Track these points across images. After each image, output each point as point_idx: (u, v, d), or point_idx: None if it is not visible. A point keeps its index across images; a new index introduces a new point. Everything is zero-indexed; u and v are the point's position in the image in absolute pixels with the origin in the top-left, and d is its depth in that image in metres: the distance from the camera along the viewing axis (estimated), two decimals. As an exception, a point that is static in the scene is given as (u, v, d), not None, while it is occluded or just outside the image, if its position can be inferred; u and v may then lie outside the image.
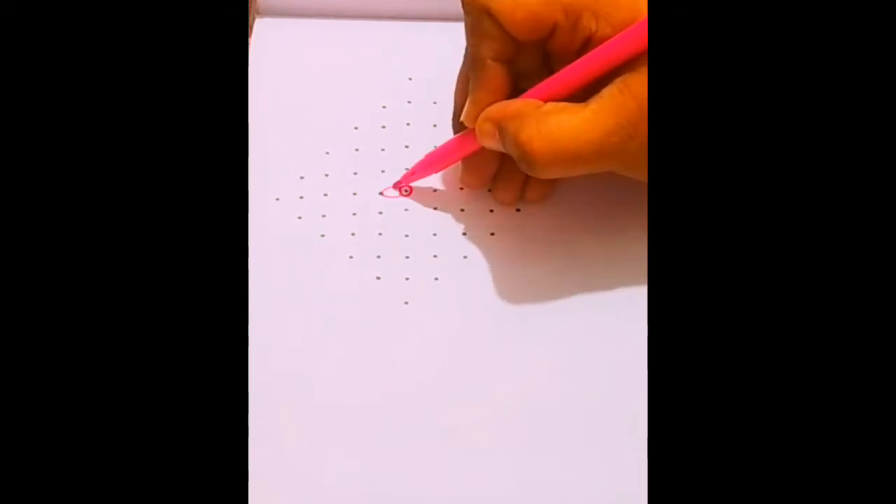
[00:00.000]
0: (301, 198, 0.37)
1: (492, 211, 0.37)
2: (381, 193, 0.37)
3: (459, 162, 0.36)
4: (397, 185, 0.37)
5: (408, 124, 0.39)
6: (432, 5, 0.41)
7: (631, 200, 0.36)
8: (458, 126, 0.35)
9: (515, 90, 0.34)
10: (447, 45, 0.40)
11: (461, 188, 0.37)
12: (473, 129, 0.34)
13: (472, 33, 0.33)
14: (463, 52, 0.34)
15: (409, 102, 0.39)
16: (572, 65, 0.32)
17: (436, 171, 0.37)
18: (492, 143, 0.33)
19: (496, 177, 0.36)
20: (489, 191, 0.37)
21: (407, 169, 0.37)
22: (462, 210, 0.37)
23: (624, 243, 0.35)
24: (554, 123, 0.31)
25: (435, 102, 0.39)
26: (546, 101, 0.32)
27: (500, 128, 0.32)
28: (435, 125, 0.39)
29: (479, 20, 0.32)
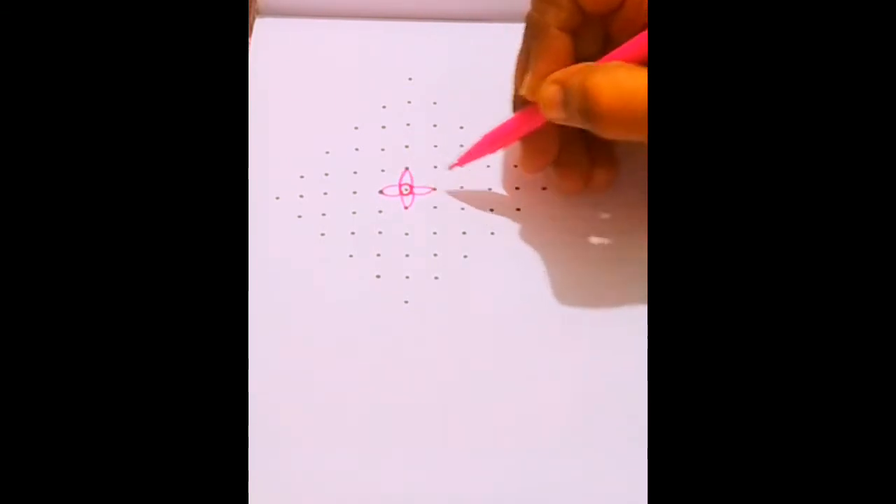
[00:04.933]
0: (301, 196, 0.37)
1: (492, 210, 0.37)
2: (380, 192, 0.37)
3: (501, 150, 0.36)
4: (453, 167, 0.37)
5: (408, 124, 0.39)
6: (432, 5, 0.41)
7: (631, 201, 0.36)
8: (517, 103, 0.35)
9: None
10: (447, 45, 0.41)
11: (461, 187, 0.37)
12: (534, 105, 0.33)
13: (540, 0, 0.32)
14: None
15: (409, 102, 0.39)
16: (640, 36, 0.31)
17: (492, 152, 0.36)
18: (555, 111, 0.32)
19: (558, 164, 0.35)
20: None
21: (407, 168, 0.37)
22: (462, 209, 0.37)
23: (624, 244, 0.35)
24: (623, 73, 0.30)
25: (435, 102, 0.39)
26: None
27: (565, 85, 0.31)
28: (435, 125, 0.39)
29: None
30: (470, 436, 0.32)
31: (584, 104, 0.30)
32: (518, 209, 0.37)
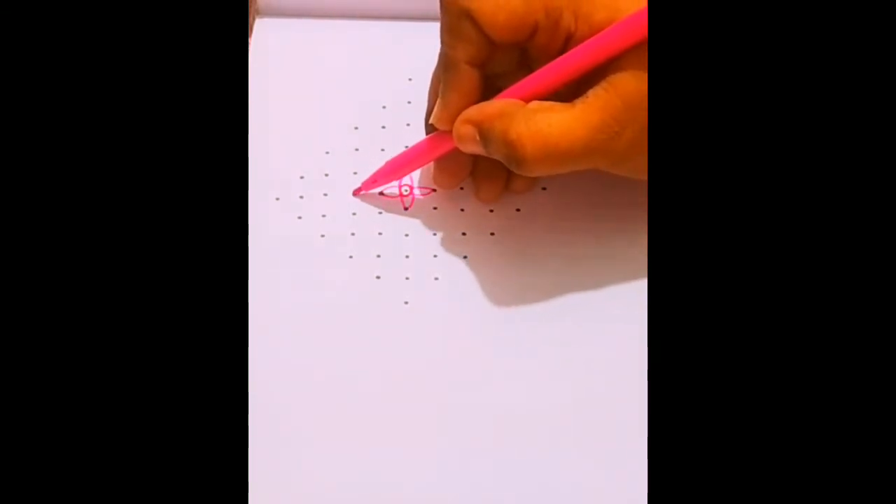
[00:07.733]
0: (301, 197, 0.37)
1: (492, 211, 0.37)
2: (381, 193, 0.37)
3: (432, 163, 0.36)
4: (357, 192, 0.37)
5: (408, 124, 0.39)
6: (432, 5, 0.41)
7: (631, 200, 0.36)
8: (430, 128, 0.35)
9: (489, 91, 0.33)
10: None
11: (461, 188, 0.37)
12: (444, 132, 0.34)
13: (449, 34, 0.32)
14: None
15: (409, 103, 0.39)
16: (552, 63, 0.32)
17: (401, 177, 0.37)
18: (471, 147, 0.33)
19: (477, 177, 0.36)
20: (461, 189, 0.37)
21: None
22: (462, 210, 0.37)
23: (624, 243, 0.35)
24: (543, 121, 0.30)
25: (435, 103, 0.39)
26: (526, 100, 0.32)
27: (483, 130, 0.32)
28: (435, 125, 0.39)
29: (457, 22, 0.32)
30: (470, 435, 0.32)
31: (508, 154, 0.31)
32: (518, 209, 0.37)
